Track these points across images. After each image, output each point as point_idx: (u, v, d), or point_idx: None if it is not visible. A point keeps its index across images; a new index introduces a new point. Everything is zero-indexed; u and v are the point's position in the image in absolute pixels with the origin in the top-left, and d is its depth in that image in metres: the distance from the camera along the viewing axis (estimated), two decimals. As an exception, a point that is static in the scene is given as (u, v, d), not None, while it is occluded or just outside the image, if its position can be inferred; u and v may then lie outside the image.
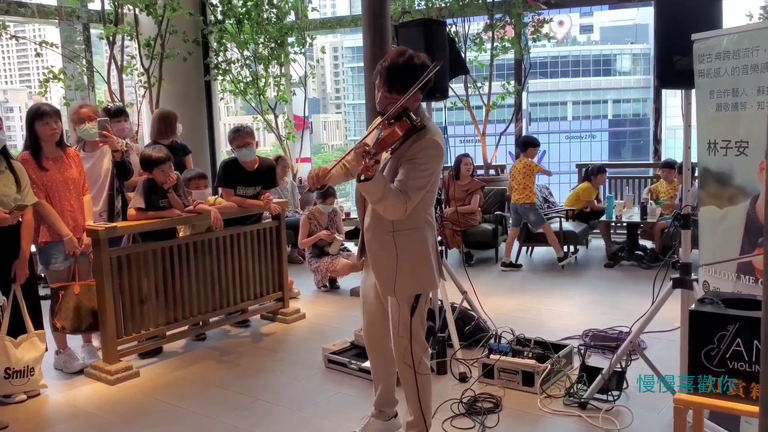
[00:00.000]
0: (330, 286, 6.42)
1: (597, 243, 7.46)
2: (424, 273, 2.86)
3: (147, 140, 6.04)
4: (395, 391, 3.24)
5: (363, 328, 3.18)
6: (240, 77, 9.10)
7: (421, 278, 2.86)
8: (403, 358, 2.93)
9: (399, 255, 2.79)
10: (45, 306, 4.19)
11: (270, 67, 9.10)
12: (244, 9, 8.75)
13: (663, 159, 7.73)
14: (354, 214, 7.90)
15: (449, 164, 7.01)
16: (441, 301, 4.45)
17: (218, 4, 8.74)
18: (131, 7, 7.95)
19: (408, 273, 2.82)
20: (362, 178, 2.59)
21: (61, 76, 7.96)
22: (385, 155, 2.76)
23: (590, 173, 7.52)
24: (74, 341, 4.55)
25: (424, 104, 4.38)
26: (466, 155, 7.45)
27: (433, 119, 4.42)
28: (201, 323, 4.91)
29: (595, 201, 7.53)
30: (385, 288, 2.88)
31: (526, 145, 7.06)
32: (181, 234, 4.82)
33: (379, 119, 2.83)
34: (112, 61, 8.10)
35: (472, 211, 7.28)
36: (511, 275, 6.83)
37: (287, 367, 4.37)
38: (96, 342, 4.60)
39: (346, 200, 9.84)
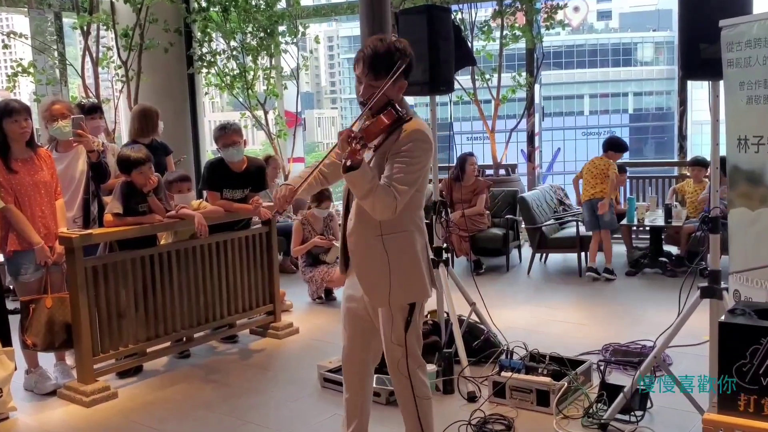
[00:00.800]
0: (325, 297, 6.42)
1: (618, 249, 7.46)
2: (417, 280, 2.85)
3: (125, 139, 6.05)
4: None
5: (343, 351, 3.10)
6: (226, 70, 9.12)
7: (415, 286, 2.85)
8: (398, 368, 2.91)
9: (391, 261, 2.77)
10: (14, 321, 4.19)
11: (259, 58, 9.13)
12: (230, -5, 8.78)
13: (689, 156, 7.73)
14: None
15: (450, 164, 6.99)
16: (447, 313, 4.45)
17: (202, -9, 8.77)
18: (107, -6, 7.98)
19: (402, 280, 2.81)
20: (348, 164, 2.58)
21: (31, 70, 7.98)
22: (367, 153, 2.76)
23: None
24: (46, 360, 4.55)
25: (427, 98, 4.41)
26: (471, 154, 7.47)
27: (437, 114, 4.45)
28: (185, 339, 4.91)
29: (615, 202, 7.53)
30: (377, 299, 2.84)
31: (613, 146, 6.96)
32: (162, 241, 4.82)
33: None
34: (87, 53, 8.12)
35: (478, 212, 7.29)
36: (520, 284, 6.82)
37: (279, 387, 4.37)
38: (70, 360, 4.60)
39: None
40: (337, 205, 8.31)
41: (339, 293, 6.45)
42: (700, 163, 7.10)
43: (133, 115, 5.54)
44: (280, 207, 2.79)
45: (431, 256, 2.96)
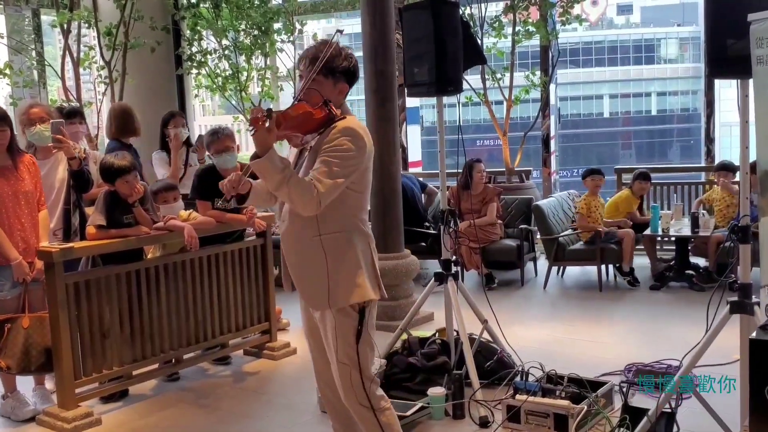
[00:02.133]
0: (325, 315, 6.41)
1: (641, 261, 7.45)
2: (358, 279, 2.91)
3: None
4: None
5: (314, 370, 3.24)
6: (218, 70, 9.16)
7: (357, 285, 2.90)
8: (355, 396, 2.94)
9: (329, 261, 2.87)
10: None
11: (253, 58, 9.16)
12: (221, -10, 8.83)
13: (717, 161, 7.74)
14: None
15: (458, 171, 7.00)
16: (457, 332, 4.45)
17: (191, -14, 8.83)
18: (89, -11, 8.03)
19: (341, 280, 2.88)
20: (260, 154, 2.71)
21: (7, 71, 8.02)
22: (293, 151, 2.97)
23: (636, 176, 7.50)
24: (25, 383, 4.56)
25: (434, 99, 4.42)
26: (478, 160, 7.48)
27: (444, 116, 4.46)
28: (174, 360, 4.91)
29: (638, 212, 7.54)
30: (317, 301, 2.92)
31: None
32: (149, 255, 4.84)
33: None
34: (67, 52, 8.17)
35: (490, 222, 7.30)
36: (536, 299, 6.82)
37: (275, 412, 4.37)
38: (50, 384, 4.61)
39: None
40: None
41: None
42: (726, 168, 7.09)
43: (111, 116, 5.59)
44: (229, 192, 2.86)
45: (377, 261, 3.02)
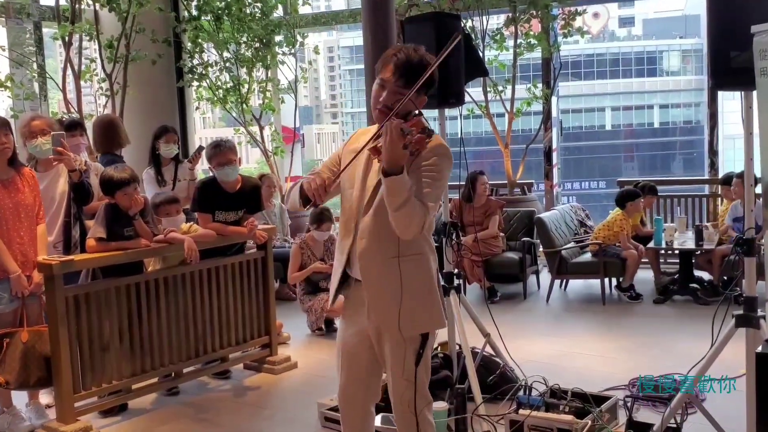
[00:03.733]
0: (326, 328, 6.41)
1: (644, 274, 7.44)
2: (432, 308, 2.85)
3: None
4: None
5: (340, 389, 3.08)
6: (219, 83, 9.20)
7: (431, 314, 2.85)
8: (407, 407, 2.88)
9: (404, 285, 2.76)
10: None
11: (254, 70, 9.20)
12: (223, 3, 8.86)
13: (721, 174, 7.73)
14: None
15: (461, 183, 7.01)
16: (459, 345, 4.43)
17: (193, -2, 8.87)
18: (90, 2, 8.06)
19: (415, 307, 2.80)
20: (384, 162, 2.54)
21: (8, 84, 8.04)
22: (375, 166, 2.76)
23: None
24: (18, 399, 4.53)
25: (436, 111, 4.43)
26: (481, 173, 7.48)
27: (446, 129, 4.47)
28: (173, 374, 4.90)
29: (641, 225, 7.53)
30: (388, 326, 2.82)
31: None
32: (149, 268, 4.83)
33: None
34: (68, 65, 8.19)
35: (492, 235, 7.29)
36: (538, 313, 6.80)
37: (276, 427, 4.35)
38: (45, 399, 4.59)
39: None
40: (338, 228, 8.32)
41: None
42: (730, 181, 7.07)
43: (99, 127, 5.62)
44: (317, 199, 2.69)
45: (442, 282, 2.95)
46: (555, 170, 9.22)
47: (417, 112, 2.75)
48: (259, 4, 8.99)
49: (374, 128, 2.81)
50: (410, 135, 2.50)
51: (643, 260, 7.25)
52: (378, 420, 3.32)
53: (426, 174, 2.69)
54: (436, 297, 2.86)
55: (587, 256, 7.29)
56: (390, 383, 2.92)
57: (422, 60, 2.73)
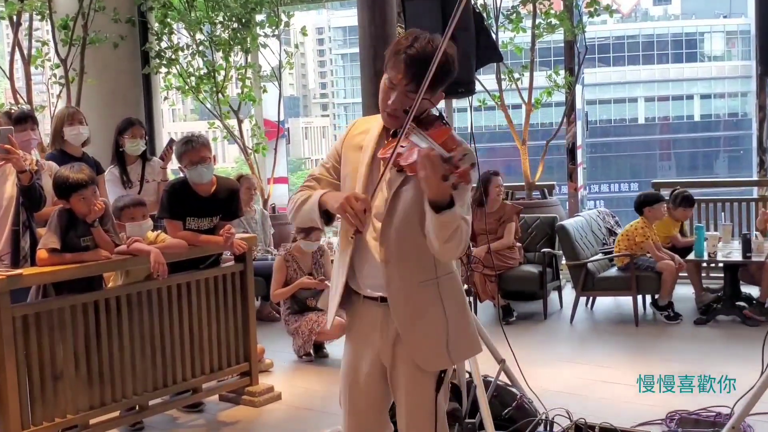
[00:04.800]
0: (315, 353, 6.41)
1: (683, 291, 7.45)
2: (472, 329, 2.93)
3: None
4: None
5: (345, 421, 3.07)
6: (191, 69, 9.20)
7: (472, 336, 2.93)
8: None
9: (447, 309, 2.83)
10: None
11: (232, 54, 9.21)
12: (196, -24, 8.88)
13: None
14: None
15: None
16: (470, 373, 4.43)
17: (161, -29, 8.88)
18: (42, -24, 8.08)
19: (460, 331, 2.86)
20: (440, 203, 2.52)
21: (-53, 71, 8.06)
22: (388, 175, 2.74)
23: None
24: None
25: (442, 102, 4.44)
26: (495, 173, 7.48)
27: (455, 122, 4.47)
28: (137, 407, 4.89)
29: (679, 235, 7.53)
30: (436, 358, 2.84)
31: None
32: (110, 284, 4.83)
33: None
34: (17, 48, 8.20)
35: (507, 245, 7.29)
36: (561, 335, 6.80)
37: (257, 468, 4.34)
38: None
39: (336, 235, 9.86)
40: (330, 238, 8.32)
41: (331, 348, 6.44)
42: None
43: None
44: (360, 224, 2.66)
45: None
46: (580, 170, 9.22)
47: (444, 121, 2.75)
48: (237, -21, 9.01)
49: (375, 119, 2.84)
50: (450, 163, 2.44)
51: (682, 275, 7.26)
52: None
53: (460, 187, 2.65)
54: (471, 316, 2.95)
55: (617, 270, 7.30)
56: (404, 418, 2.92)
57: (441, 57, 2.67)
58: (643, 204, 7.30)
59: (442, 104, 4.43)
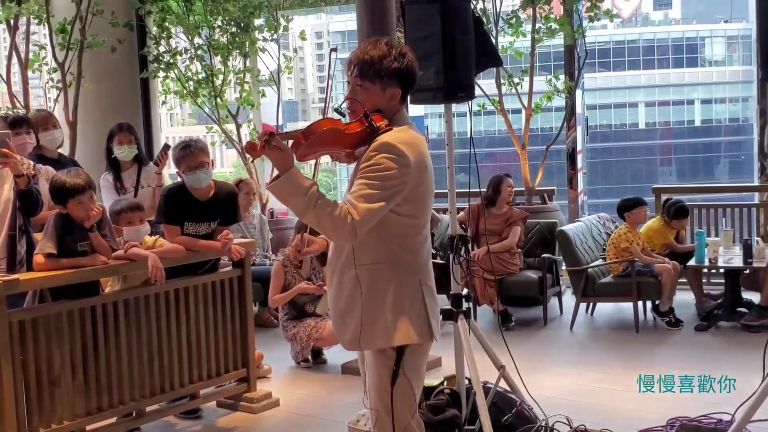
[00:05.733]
0: (313, 359, 6.40)
1: (684, 297, 7.45)
2: (400, 322, 2.95)
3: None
4: None
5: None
6: (189, 73, 9.21)
7: (398, 328, 2.95)
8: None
9: (364, 295, 2.94)
10: None
11: (230, 59, 9.21)
12: (194, -20, 8.89)
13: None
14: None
15: (472, 190, 7.02)
16: (469, 380, 4.43)
17: (159, -25, 8.89)
18: (40, -21, 8.08)
19: (379, 319, 2.94)
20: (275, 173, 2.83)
21: (-56, 75, 8.06)
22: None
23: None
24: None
25: (442, 107, 4.44)
26: (507, 175, 7.53)
27: (454, 127, 4.47)
28: (135, 414, 4.88)
29: (675, 242, 7.53)
30: (351, 341, 3.01)
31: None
32: (107, 289, 4.83)
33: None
34: (14, 53, 8.21)
35: (509, 247, 7.29)
36: (561, 341, 6.79)
37: (255, 475, 4.34)
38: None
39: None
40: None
41: (330, 354, 6.43)
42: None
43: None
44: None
45: (432, 299, 3.09)
46: (580, 176, 9.24)
47: (367, 118, 2.93)
48: (236, -18, 9.02)
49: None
50: (264, 137, 2.79)
51: (682, 280, 7.26)
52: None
53: (362, 173, 2.86)
54: (413, 310, 2.98)
55: (615, 277, 7.29)
56: (369, 404, 3.09)
57: (383, 52, 2.95)
58: (623, 209, 7.38)
59: (441, 108, 4.44)
